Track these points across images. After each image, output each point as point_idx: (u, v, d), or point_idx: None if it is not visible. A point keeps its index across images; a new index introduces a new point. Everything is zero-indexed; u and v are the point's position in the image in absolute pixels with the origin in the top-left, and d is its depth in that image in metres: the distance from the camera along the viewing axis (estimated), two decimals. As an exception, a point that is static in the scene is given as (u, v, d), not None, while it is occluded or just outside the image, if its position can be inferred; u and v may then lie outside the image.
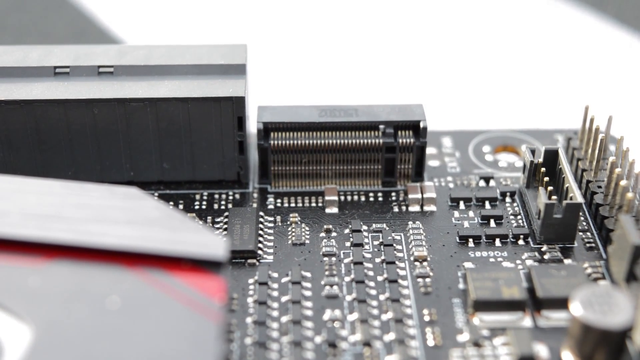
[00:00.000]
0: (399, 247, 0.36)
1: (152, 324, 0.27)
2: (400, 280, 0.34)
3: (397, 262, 0.35)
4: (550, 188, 0.35)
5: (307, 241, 0.37)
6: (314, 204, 0.39)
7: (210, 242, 0.29)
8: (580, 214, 0.36)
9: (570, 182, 0.36)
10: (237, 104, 0.37)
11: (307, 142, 0.38)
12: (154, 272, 0.28)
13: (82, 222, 0.30)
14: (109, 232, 0.29)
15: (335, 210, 0.38)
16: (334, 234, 0.37)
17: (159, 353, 0.26)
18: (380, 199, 0.39)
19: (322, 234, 0.37)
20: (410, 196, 0.38)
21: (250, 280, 0.35)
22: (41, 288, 0.28)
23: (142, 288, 0.28)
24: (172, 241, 0.29)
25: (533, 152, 0.38)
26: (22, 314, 0.27)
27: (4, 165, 0.38)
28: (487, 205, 0.38)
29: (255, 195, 0.39)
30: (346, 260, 0.35)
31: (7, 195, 0.31)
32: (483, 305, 0.33)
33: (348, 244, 0.36)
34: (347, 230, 0.37)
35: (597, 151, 0.38)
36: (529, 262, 0.35)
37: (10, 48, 0.39)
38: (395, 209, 0.38)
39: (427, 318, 0.33)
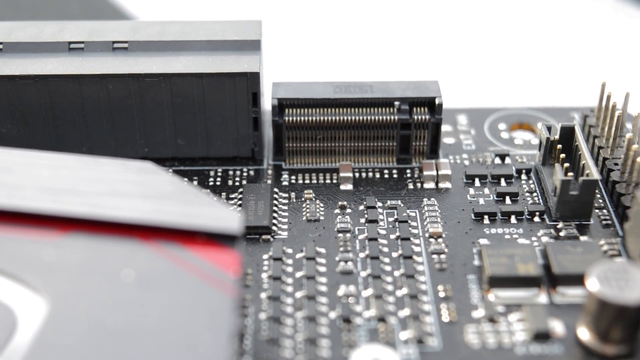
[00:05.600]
0: (414, 223, 0.36)
1: (167, 297, 0.27)
2: (415, 257, 0.34)
3: (412, 239, 0.35)
4: (566, 165, 0.35)
5: (322, 217, 0.36)
6: (328, 181, 0.39)
7: (224, 216, 0.29)
8: (597, 191, 0.36)
9: (587, 158, 0.35)
10: (251, 80, 0.37)
11: (321, 118, 0.38)
12: (169, 245, 0.28)
13: (97, 195, 0.30)
14: (124, 205, 0.29)
15: (349, 187, 0.38)
16: (348, 210, 0.37)
17: (174, 326, 0.26)
18: (395, 175, 0.39)
19: (337, 211, 0.37)
20: (425, 173, 0.38)
21: (265, 256, 0.34)
22: (56, 261, 0.28)
23: (157, 261, 0.28)
24: (186, 215, 0.29)
25: (549, 129, 0.37)
26: (37, 286, 0.27)
27: (19, 141, 0.38)
28: (503, 182, 0.38)
29: (270, 171, 0.39)
30: (361, 237, 0.35)
31: (22, 169, 0.31)
32: (498, 282, 0.33)
33: (363, 220, 0.36)
34: (361, 207, 0.37)
35: (613, 128, 0.37)
36: (545, 239, 0.35)
37: (24, 24, 0.39)
38: (410, 186, 0.38)
39: (442, 294, 0.33)
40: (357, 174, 0.39)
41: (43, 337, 0.26)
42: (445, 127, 0.41)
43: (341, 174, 0.38)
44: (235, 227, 0.29)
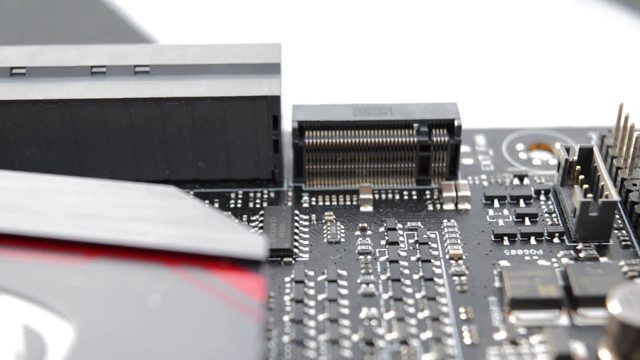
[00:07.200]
0: (434, 245, 0.36)
1: (193, 322, 0.27)
2: (435, 279, 0.34)
3: (432, 261, 0.35)
4: (585, 186, 0.35)
5: (343, 239, 0.37)
6: (348, 203, 0.39)
7: (249, 241, 0.29)
8: (616, 212, 0.36)
9: (606, 180, 0.36)
10: (272, 103, 0.37)
11: (341, 140, 0.38)
12: (194, 270, 0.29)
13: (122, 221, 0.30)
14: (149, 231, 0.30)
15: (369, 208, 0.38)
16: (369, 232, 0.37)
17: (200, 351, 0.26)
18: (414, 197, 0.39)
19: (357, 232, 0.37)
20: (444, 194, 0.38)
21: (287, 279, 0.35)
22: (82, 287, 0.28)
23: (182, 287, 0.28)
24: (211, 240, 0.29)
25: (568, 150, 0.38)
26: (65, 312, 0.27)
27: (42, 164, 0.38)
28: (522, 203, 0.38)
29: (290, 193, 0.39)
30: (382, 259, 0.36)
31: (48, 195, 0.31)
32: (519, 304, 0.33)
33: (383, 242, 0.36)
34: (382, 229, 0.37)
35: (632, 149, 0.38)
36: (565, 260, 0.35)
37: (47, 48, 0.39)
38: (430, 207, 0.38)
39: (463, 316, 0.33)
40: (377, 196, 0.39)
41: (71, 362, 0.26)
42: (463, 148, 0.41)
43: (361, 196, 0.39)
44: (260, 252, 0.29)
